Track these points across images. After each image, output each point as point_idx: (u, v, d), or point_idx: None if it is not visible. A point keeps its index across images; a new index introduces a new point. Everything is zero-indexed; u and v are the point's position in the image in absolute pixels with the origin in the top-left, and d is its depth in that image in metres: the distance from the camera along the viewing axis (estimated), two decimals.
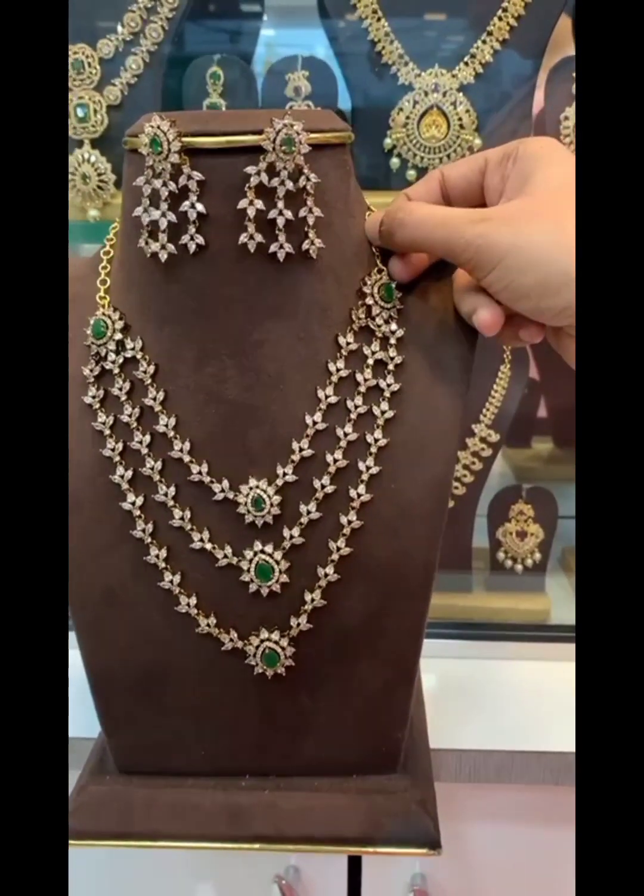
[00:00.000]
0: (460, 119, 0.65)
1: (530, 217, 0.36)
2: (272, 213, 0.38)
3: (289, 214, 0.38)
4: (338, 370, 0.41)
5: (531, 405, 1.00)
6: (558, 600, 0.79)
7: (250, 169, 0.37)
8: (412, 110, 0.66)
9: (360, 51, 0.68)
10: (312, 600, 0.42)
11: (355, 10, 0.67)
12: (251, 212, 0.38)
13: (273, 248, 0.39)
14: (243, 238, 0.38)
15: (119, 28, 0.65)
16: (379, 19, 0.66)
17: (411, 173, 0.68)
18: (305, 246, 0.40)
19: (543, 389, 0.98)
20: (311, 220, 0.39)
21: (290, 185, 0.38)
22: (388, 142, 0.67)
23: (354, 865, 0.68)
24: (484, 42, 0.65)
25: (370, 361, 0.41)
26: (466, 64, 0.65)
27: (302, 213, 0.39)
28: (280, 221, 0.38)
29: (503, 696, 0.68)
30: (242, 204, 0.38)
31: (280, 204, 0.38)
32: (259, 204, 0.38)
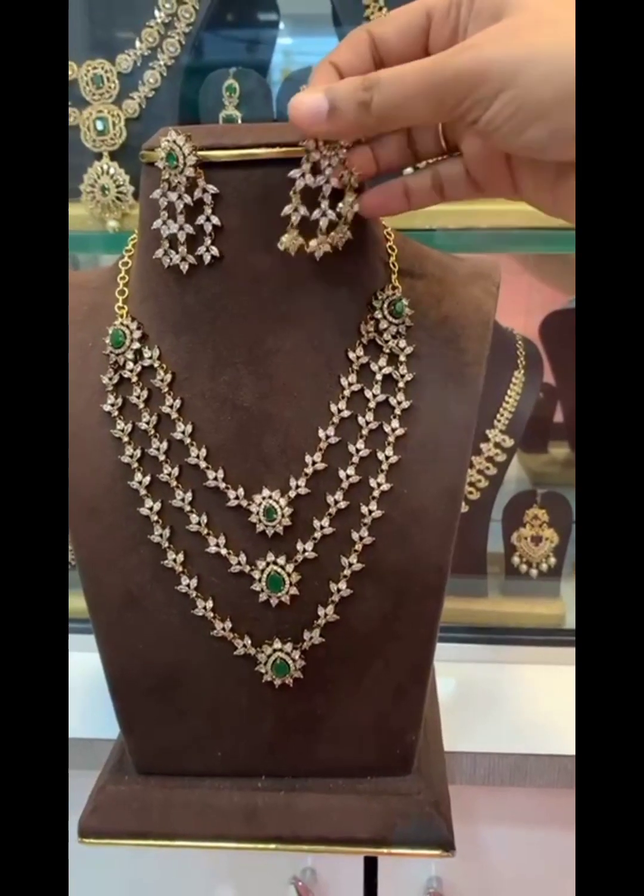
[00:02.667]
0: None
1: (533, 26, 0.31)
2: (316, 214, 0.38)
3: (332, 215, 0.38)
4: (349, 384, 0.42)
5: (547, 410, 1.00)
6: (573, 605, 0.79)
7: (295, 173, 0.37)
8: None
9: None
10: (325, 615, 0.43)
11: (367, 19, 0.67)
12: (295, 218, 0.38)
13: (312, 246, 0.39)
14: (285, 241, 0.38)
15: (137, 43, 0.66)
16: None
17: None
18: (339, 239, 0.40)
19: (560, 394, 0.99)
20: (350, 216, 0.39)
21: (334, 182, 0.38)
22: None
23: (370, 868, 0.68)
24: None
25: (378, 377, 0.42)
26: None
27: (341, 208, 0.39)
28: (323, 223, 0.39)
29: (518, 700, 0.68)
30: (287, 210, 0.38)
31: (324, 204, 0.38)
32: (303, 210, 0.38)
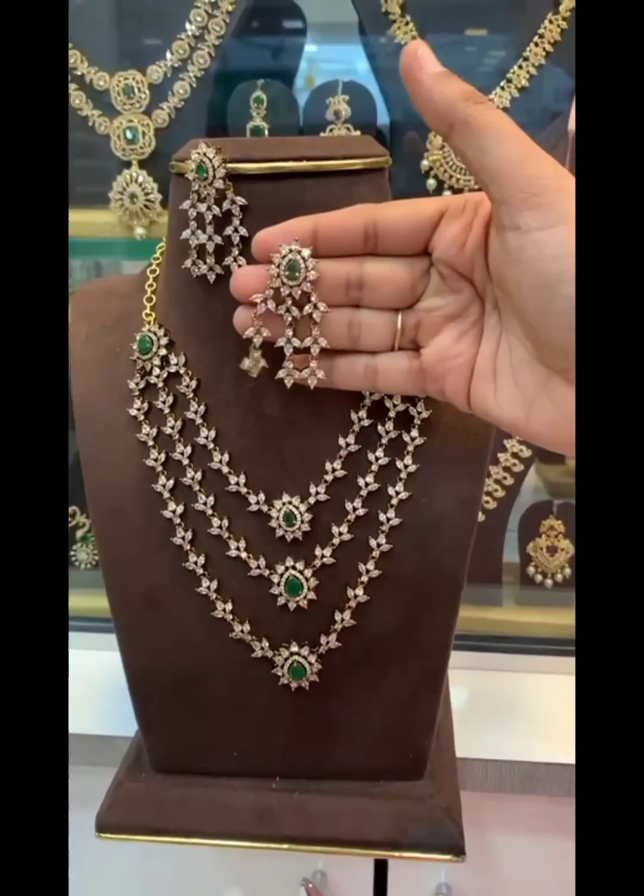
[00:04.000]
0: None
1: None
2: (280, 341, 0.38)
3: (297, 342, 0.38)
4: (370, 393, 0.43)
5: None
6: None
7: (257, 297, 0.37)
8: None
9: (398, 68, 0.69)
10: (342, 620, 0.44)
11: (394, 39, 0.68)
12: (257, 340, 0.38)
13: (280, 375, 0.39)
14: (247, 364, 0.39)
15: (168, 54, 0.68)
16: (413, 39, 0.68)
17: (447, 195, 0.69)
18: None
19: None
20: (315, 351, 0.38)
21: (296, 342, 0.38)
22: (425, 163, 0.69)
23: (380, 872, 0.68)
24: (520, 67, 0.67)
25: None
26: (502, 88, 0.67)
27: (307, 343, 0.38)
28: (288, 350, 0.38)
29: (531, 709, 0.68)
30: (249, 332, 0.38)
31: (288, 331, 0.38)
32: (266, 332, 0.38)
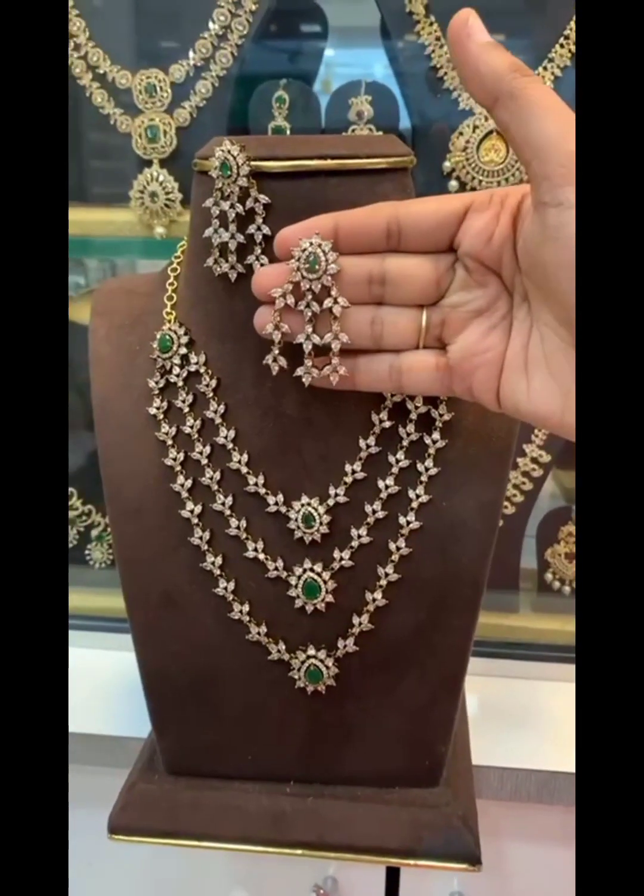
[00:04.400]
0: None
1: None
2: (299, 338, 0.38)
3: (317, 339, 0.38)
4: (392, 395, 0.42)
5: None
6: None
7: (276, 292, 0.37)
8: (472, 135, 0.67)
9: (419, 71, 0.69)
10: (360, 624, 0.44)
11: (418, 39, 0.68)
12: (276, 336, 0.38)
13: (299, 373, 0.39)
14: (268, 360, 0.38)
15: (191, 53, 0.68)
16: (441, 46, 0.68)
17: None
18: None
19: None
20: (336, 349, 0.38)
21: (316, 339, 0.37)
22: (447, 164, 0.68)
23: (392, 879, 0.68)
24: (545, 68, 0.66)
25: None
26: None
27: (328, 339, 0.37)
28: (307, 346, 0.38)
29: (547, 717, 0.67)
30: (268, 329, 0.37)
31: (308, 328, 0.37)
32: (286, 327, 0.37)
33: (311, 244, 0.36)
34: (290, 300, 0.37)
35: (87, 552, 0.81)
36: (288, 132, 0.69)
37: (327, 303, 0.37)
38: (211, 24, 0.67)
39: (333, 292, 0.36)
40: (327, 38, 0.75)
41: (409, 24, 0.68)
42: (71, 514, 0.81)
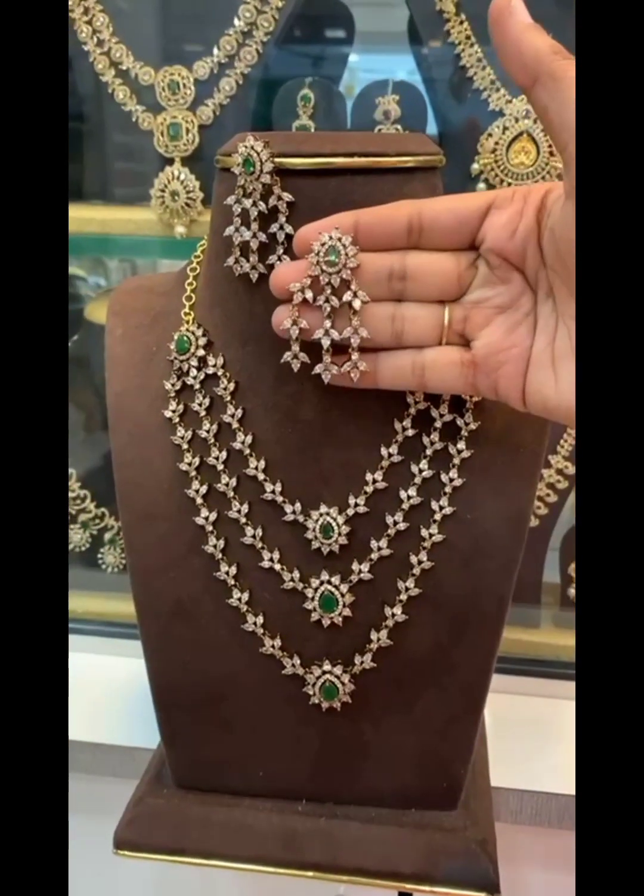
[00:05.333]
0: (551, 146, 0.64)
1: None
2: (318, 334, 0.37)
3: (335, 335, 0.37)
4: (415, 402, 0.41)
5: None
6: None
7: (295, 286, 0.36)
8: (502, 136, 0.66)
9: (446, 77, 0.68)
10: (378, 639, 0.42)
11: (445, 36, 0.67)
12: (294, 332, 0.37)
13: (318, 370, 0.38)
14: (287, 357, 0.37)
15: (215, 50, 0.67)
16: (471, 44, 0.66)
17: None
18: None
19: None
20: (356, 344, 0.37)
21: (334, 334, 0.37)
22: (475, 167, 0.67)
23: None
24: None
25: (446, 396, 0.41)
26: None
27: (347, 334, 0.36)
28: (325, 342, 0.37)
29: (569, 737, 0.65)
30: (286, 324, 0.36)
31: (326, 323, 0.36)
32: (304, 323, 0.37)
33: (331, 237, 0.35)
34: (309, 295, 0.36)
35: (99, 556, 0.80)
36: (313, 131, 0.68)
37: (347, 296, 0.36)
38: (236, 21, 0.66)
39: (353, 286, 0.36)
40: (352, 43, 0.74)
41: (439, 24, 0.67)
42: (84, 516, 0.80)
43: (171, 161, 0.68)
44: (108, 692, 0.68)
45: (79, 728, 0.62)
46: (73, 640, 0.73)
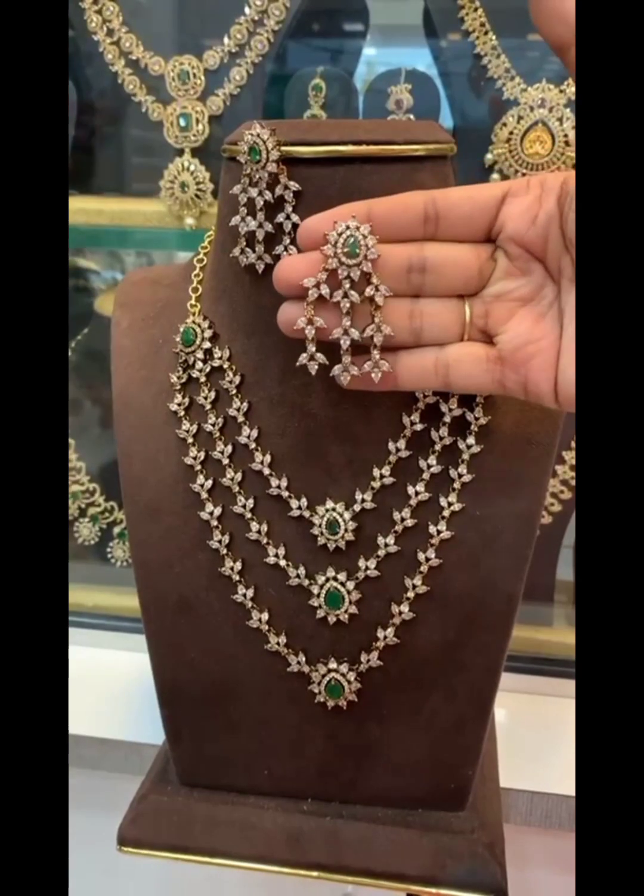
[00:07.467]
0: (566, 136, 0.63)
1: None
2: (336, 333, 0.35)
3: (355, 334, 0.34)
4: (424, 396, 0.40)
5: None
6: None
7: (309, 282, 0.34)
8: (516, 125, 0.64)
9: (462, 70, 0.67)
10: (385, 637, 0.41)
11: (462, 24, 0.66)
12: (310, 332, 0.34)
13: (336, 372, 0.36)
14: (303, 358, 0.35)
15: (225, 40, 0.66)
16: (486, 32, 0.65)
17: None
18: None
19: None
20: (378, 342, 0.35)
21: (354, 334, 0.35)
22: (489, 157, 0.66)
23: None
24: None
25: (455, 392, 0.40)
26: (562, 91, 0.63)
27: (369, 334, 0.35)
28: (344, 342, 0.35)
29: None
30: (300, 323, 0.34)
31: (345, 321, 0.34)
32: (320, 321, 0.34)
33: (348, 227, 0.33)
34: (325, 291, 0.34)
35: (108, 550, 0.80)
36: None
37: (368, 291, 0.33)
38: (246, 10, 0.65)
39: (374, 280, 0.33)
40: (367, 37, 0.73)
41: (454, 15, 0.66)
42: (93, 510, 0.80)
43: (180, 152, 0.68)
44: (114, 687, 0.68)
45: (85, 723, 0.62)
46: (81, 635, 0.74)
